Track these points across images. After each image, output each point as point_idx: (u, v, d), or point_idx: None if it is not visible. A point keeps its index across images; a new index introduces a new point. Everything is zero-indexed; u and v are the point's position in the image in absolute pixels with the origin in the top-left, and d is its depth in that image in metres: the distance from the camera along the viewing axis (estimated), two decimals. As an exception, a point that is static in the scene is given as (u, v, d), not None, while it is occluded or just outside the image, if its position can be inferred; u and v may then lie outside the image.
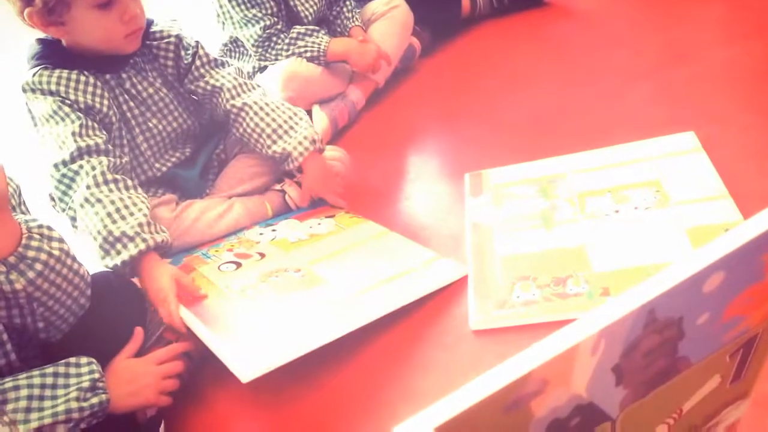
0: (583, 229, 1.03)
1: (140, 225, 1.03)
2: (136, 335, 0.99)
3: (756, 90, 1.19)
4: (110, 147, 1.14)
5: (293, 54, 1.65)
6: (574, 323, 0.31)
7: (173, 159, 1.32)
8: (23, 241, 0.82)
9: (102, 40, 1.16)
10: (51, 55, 1.17)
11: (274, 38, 1.65)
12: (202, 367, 1.07)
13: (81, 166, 1.08)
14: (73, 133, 1.10)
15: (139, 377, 0.93)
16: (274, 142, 1.25)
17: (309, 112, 1.66)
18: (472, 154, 1.34)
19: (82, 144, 1.10)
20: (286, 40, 1.65)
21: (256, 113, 1.26)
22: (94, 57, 1.19)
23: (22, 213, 0.94)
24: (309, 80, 1.64)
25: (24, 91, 1.15)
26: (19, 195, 0.94)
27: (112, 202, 1.04)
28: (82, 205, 1.05)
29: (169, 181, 1.32)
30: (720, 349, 0.41)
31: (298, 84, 1.62)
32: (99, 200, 1.05)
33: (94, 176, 1.06)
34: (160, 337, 1.03)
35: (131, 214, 1.04)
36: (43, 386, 0.80)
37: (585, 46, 1.58)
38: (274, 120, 1.26)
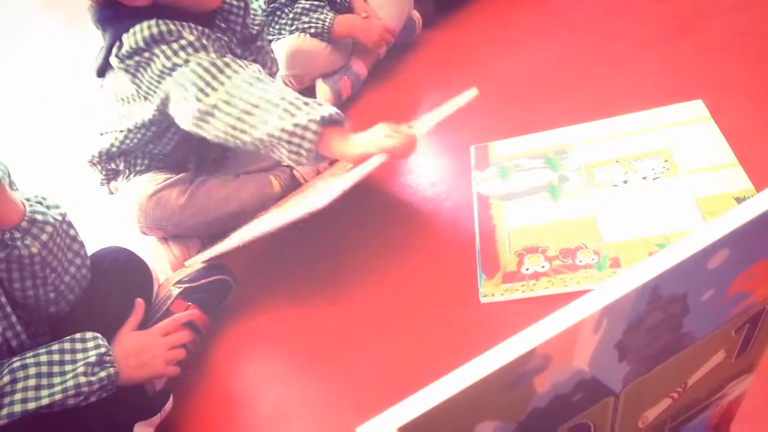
0: (592, 200, 1.02)
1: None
2: (137, 307, 1.00)
3: (764, 58, 1.16)
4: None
5: (297, 29, 1.61)
6: (576, 302, 0.30)
7: None
8: (28, 208, 0.84)
9: None
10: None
11: (279, 12, 1.62)
12: (210, 341, 1.08)
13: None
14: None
15: (146, 349, 0.94)
16: None
17: (313, 87, 1.65)
18: (477, 126, 1.32)
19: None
20: (290, 15, 1.61)
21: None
22: (187, 15, 1.11)
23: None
24: (313, 55, 1.61)
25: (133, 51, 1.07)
26: (9, 176, 0.94)
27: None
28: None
29: (185, 157, 1.30)
30: (725, 324, 0.40)
31: (303, 60, 1.60)
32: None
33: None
34: (167, 311, 1.04)
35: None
36: (50, 363, 0.81)
37: (591, 15, 1.55)
38: None
